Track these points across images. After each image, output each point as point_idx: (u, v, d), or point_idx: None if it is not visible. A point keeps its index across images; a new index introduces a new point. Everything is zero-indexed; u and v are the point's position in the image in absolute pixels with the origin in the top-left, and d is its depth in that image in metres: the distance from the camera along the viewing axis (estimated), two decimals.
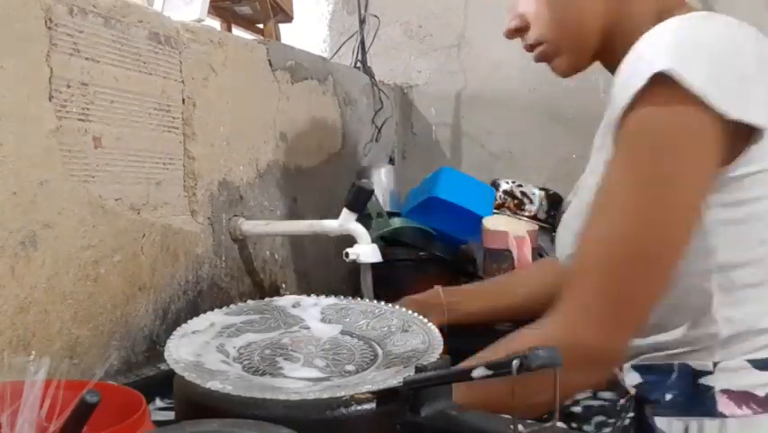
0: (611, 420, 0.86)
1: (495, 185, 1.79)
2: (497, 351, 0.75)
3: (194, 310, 1.17)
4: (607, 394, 0.90)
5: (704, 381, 0.77)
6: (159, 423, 0.63)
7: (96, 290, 0.98)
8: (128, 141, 1.04)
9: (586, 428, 0.87)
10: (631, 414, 0.82)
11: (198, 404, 0.68)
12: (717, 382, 0.76)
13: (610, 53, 0.84)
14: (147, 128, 1.08)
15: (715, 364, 0.77)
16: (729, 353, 0.77)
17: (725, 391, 0.76)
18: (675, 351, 0.80)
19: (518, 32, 0.88)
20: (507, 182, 1.78)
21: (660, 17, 0.76)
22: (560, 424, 0.87)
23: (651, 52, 0.71)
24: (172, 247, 1.13)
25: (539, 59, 0.89)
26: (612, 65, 0.82)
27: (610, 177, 0.72)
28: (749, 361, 0.76)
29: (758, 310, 0.76)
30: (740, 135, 0.70)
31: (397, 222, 1.59)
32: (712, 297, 0.76)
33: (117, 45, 1.01)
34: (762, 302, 0.76)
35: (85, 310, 0.96)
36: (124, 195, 1.03)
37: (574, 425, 0.89)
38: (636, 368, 0.83)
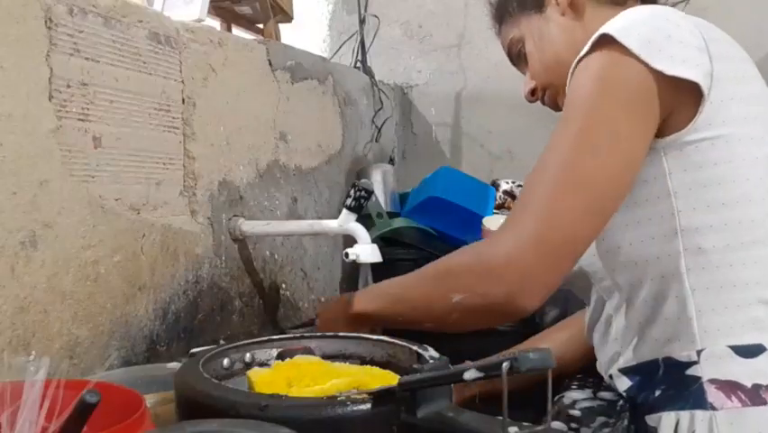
0: (611, 420, 0.86)
1: (495, 185, 1.79)
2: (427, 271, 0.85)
3: (194, 310, 1.17)
4: (607, 394, 0.90)
5: (691, 371, 0.77)
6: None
7: (96, 290, 0.98)
8: (128, 141, 1.04)
9: (585, 430, 0.87)
10: (628, 413, 0.82)
11: (198, 404, 0.68)
12: (703, 371, 0.76)
13: None
14: (147, 128, 1.08)
15: (698, 353, 0.77)
16: (708, 336, 0.77)
17: (713, 381, 0.76)
18: (658, 343, 0.80)
19: (534, 93, 1.01)
20: (507, 182, 1.78)
21: None
22: (558, 424, 0.87)
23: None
24: (172, 247, 1.13)
25: (551, 105, 1.00)
26: None
27: (558, 124, 0.79)
28: (731, 347, 0.76)
29: (727, 279, 0.77)
30: (688, 98, 0.76)
31: (397, 222, 1.59)
32: (680, 260, 0.78)
33: (117, 45, 1.01)
34: (729, 271, 0.77)
35: (85, 310, 0.96)
36: (124, 195, 1.03)
37: (574, 425, 0.89)
38: (624, 371, 0.84)
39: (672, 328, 0.79)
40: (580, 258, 0.77)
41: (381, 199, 1.67)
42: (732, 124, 0.77)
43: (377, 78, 1.94)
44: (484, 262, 0.77)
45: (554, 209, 0.74)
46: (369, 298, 0.93)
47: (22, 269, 0.87)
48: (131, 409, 0.60)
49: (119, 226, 1.02)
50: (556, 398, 0.95)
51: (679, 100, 0.76)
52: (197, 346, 1.15)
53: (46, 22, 0.89)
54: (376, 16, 1.97)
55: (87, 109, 0.96)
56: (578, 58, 0.79)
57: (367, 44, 1.94)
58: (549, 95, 0.99)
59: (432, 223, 1.60)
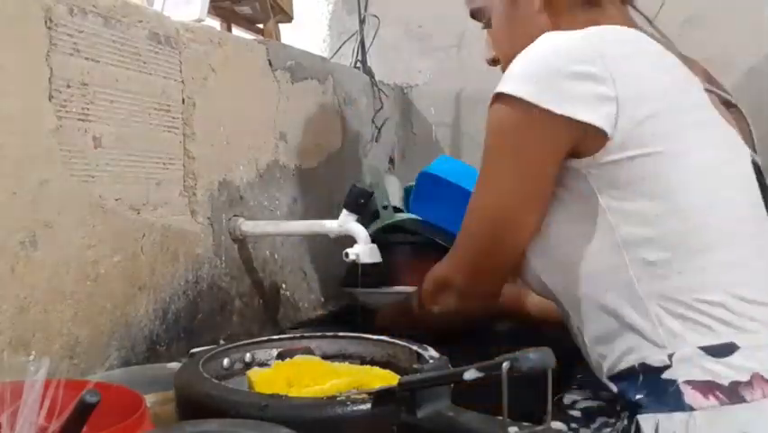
0: (611, 420, 0.86)
1: None
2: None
3: (194, 310, 1.17)
4: (607, 394, 0.90)
5: (666, 375, 0.77)
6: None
7: (96, 290, 0.98)
8: (128, 141, 1.04)
9: (585, 430, 0.87)
10: (627, 412, 0.82)
11: (199, 404, 0.68)
12: (678, 374, 0.76)
13: None
14: (147, 128, 1.08)
15: (670, 357, 0.77)
16: (674, 339, 0.77)
17: (689, 382, 0.76)
18: (629, 349, 0.80)
19: (495, 62, 1.09)
20: None
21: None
22: (558, 424, 0.87)
23: (507, 72, 0.84)
24: (172, 247, 1.13)
25: None
26: None
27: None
28: (702, 348, 0.76)
29: (680, 284, 0.78)
30: (592, 130, 0.78)
31: (400, 216, 1.58)
32: (628, 271, 0.79)
33: (117, 45, 1.01)
34: (679, 276, 0.78)
35: (85, 310, 0.96)
36: (124, 195, 1.03)
37: (574, 425, 0.89)
38: (611, 378, 0.84)
39: (638, 336, 0.79)
40: (504, 272, 0.95)
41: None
42: (655, 142, 0.78)
43: (377, 78, 1.94)
44: (440, 281, 0.99)
45: (479, 247, 0.92)
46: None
47: (22, 269, 0.87)
48: (131, 410, 0.60)
49: (119, 226, 1.02)
50: (556, 398, 0.95)
51: (581, 132, 0.78)
52: (197, 346, 1.15)
53: (46, 22, 0.89)
54: (376, 16, 1.97)
55: (87, 109, 0.96)
56: (494, 90, 0.84)
57: (367, 44, 1.94)
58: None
59: (431, 209, 1.58)
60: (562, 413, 0.92)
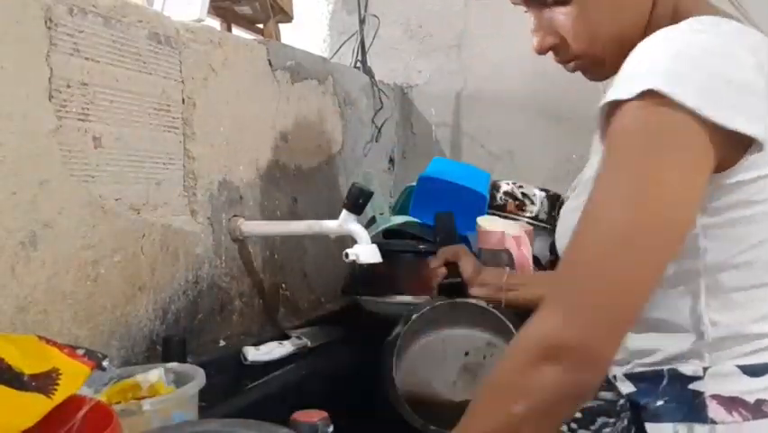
0: (611, 420, 0.85)
1: (496, 186, 1.79)
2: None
3: (194, 310, 1.17)
4: (607, 394, 0.90)
5: (694, 386, 0.76)
6: None
7: (96, 290, 0.98)
8: (128, 141, 1.04)
9: (585, 431, 0.87)
10: (628, 413, 0.81)
11: None
12: (707, 387, 0.75)
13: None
14: (147, 128, 1.08)
15: (705, 370, 0.76)
16: (719, 357, 0.76)
17: (715, 397, 0.75)
18: (666, 355, 0.79)
19: (553, 49, 0.86)
20: (508, 183, 1.78)
21: (675, 19, 0.76)
22: None
23: (642, 67, 0.71)
24: (172, 247, 1.13)
25: (576, 69, 0.89)
26: None
27: (601, 175, 0.72)
28: (739, 367, 0.75)
29: (746, 315, 0.75)
30: (739, 145, 0.70)
31: (400, 219, 1.59)
32: (699, 298, 0.76)
33: (117, 45, 1.01)
34: (748, 307, 0.75)
35: (85, 310, 0.96)
36: (124, 195, 1.03)
37: (574, 426, 0.89)
38: (628, 376, 0.83)
39: (683, 346, 0.78)
40: (636, 316, 0.70)
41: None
42: None
43: (377, 78, 1.94)
44: (546, 350, 0.68)
45: (610, 287, 0.68)
46: None
47: (22, 269, 0.87)
48: (102, 425, 0.60)
49: (119, 226, 1.02)
50: None
51: (731, 148, 0.70)
52: (197, 346, 1.15)
53: (46, 22, 0.89)
54: (376, 16, 1.97)
55: (87, 109, 0.96)
56: (615, 97, 0.71)
57: (367, 44, 1.94)
58: (582, 64, 0.87)
59: (431, 207, 1.58)
60: None
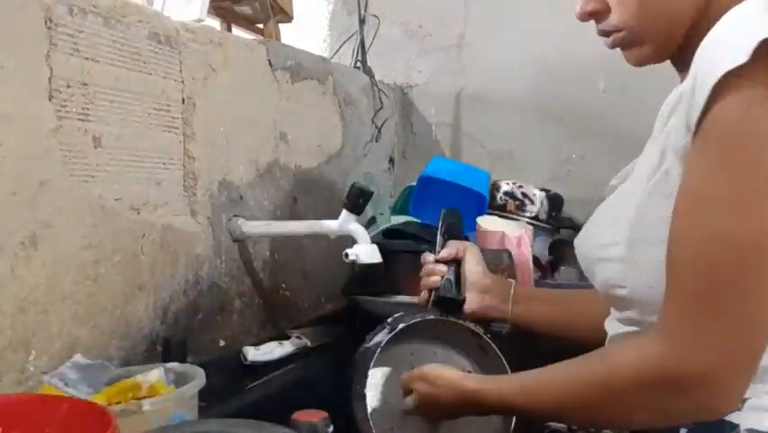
0: None
1: (496, 186, 1.79)
2: (585, 362, 0.74)
3: (194, 310, 1.17)
4: None
5: (730, 417, 0.68)
6: None
7: (96, 290, 0.98)
8: (128, 141, 1.04)
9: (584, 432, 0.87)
10: None
11: None
12: (743, 420, 0.68)
13: (686, 48, 0.73)
14: (147, 128, 1.08)
15: (744, 401, 0.68)
16: (762, 389, 0.68)
17: (750, 431, 0.68)
18: None
19: (594, 14, 0.78)
20: (508, 183, 1.78)
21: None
22: (558, 424, 0.87)
23: (743, 25, 0.60)
24: (172, 247, 1.13)
25: (615, 45, 0.79)
26: (684, 61, 0.71)
27: (703, 176, 0.63)
28: None
29: None
30: None
31: (400, 219, 1.59)
32: None
33: (117, 45, 1.01)
34: None
35: (85, 310, 0.96)
36: (124, 195, 1.03)
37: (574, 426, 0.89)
38: None
39: None
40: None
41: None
42: None
43: (377, 78, 1.93)
44: (669, 378, 0.64)
45: (731, 300, 0.60)
46: (488, 380, 0.85)
47: (22, 269, 0.87)
48: (100, 429, 0.60)
49: (119, 226, 1.02)
50: None
51: None
52: (197, 346, 1.15)
53: (46, 22, 0.89)
54: (376, 16, 1.97)
55: (87, 109, 0.96)
56: (724, 68, 0.59)
57: (367, 44, 1.94)
58: (623, 38, 0.78)
59: (431, 207, 1.59)
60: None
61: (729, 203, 0.61)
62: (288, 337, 1.31)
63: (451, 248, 1.13)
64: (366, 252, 1.14)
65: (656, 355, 0.66)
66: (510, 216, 1.71)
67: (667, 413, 0.67)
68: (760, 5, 0.62)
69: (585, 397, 0.72)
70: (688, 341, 0.63)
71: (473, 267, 1.10)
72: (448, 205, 1.27)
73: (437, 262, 1.12)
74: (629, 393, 0.69)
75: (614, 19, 0.76)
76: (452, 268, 1.11)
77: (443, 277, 1.10)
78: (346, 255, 1.14)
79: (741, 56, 0.58)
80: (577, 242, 0.86)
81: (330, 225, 1.19)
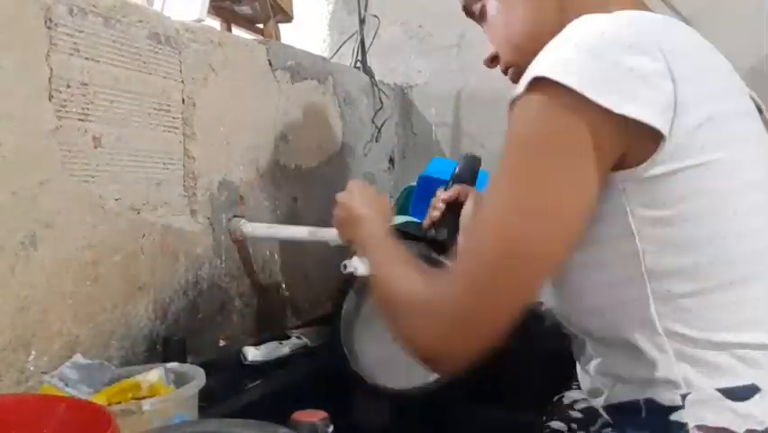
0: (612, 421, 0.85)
1: None
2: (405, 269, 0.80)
3: (194, 310, 1.17)
4: None
5: (675, 417, 0.68)
6: None
7: (96, 290, 0.98)
8: (128, 141, 1.04)
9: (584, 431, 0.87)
10: None
11: None
12: (689, 417, 0.68)
13: None
14: (147, 128, 1.08)
15: (683, 397, 0.68)
16: (693, 380, 0.69)
17: (700, 428, 0.67)
18: (636, 380, 0.72)
19: (493, 60, 0.94)
20: None
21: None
22: (558, 424, 0.87)
23: (533, 64, 0.70)
24: (172, 247, 1.13)
25: (513, 79, 0.89)
26: None
27: (494, 174, 0.72)
28: (720, 390, 0.68)
29: (704, 320, 0.69)
30: (646, 133, 0.66)
31: (400, 219, 1.58)
32: (649, 305, 0.70)
33: (117, 45, 1.01)
34: (704, 311, 0.69)
35: (85, 310, 0.96)
36: (124, 195, 1.03)
37: (574, 426, 0.89)
38: (606, 409, 0.78)
39: (651, 371, 0.71)
40: (514, 318, 0.69)
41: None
42: (705, 153, 0.68)
43: (377, 78, 1.94)
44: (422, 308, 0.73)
45: (484, 282, 0.69)
46: (380, 224, 1.00)
47: (22, 269, 0.87)
48: (99, 428, 0.60)
49: (119, 226, 1.02)
50: (556, 398, 0.95)
51: (634, 136, 0.66)
52: (197, 346, 1.15)
53: (46, 22, 0.89)
54: (376, 16, 1.97)
55: (87, 109, 0.96)
56: (511, 97, 0.70)
57: (367, 44, 1.94)
58: (513, 72, 0.88)
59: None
60: (562, 413, 0.91)
61: (504, 202, 0.70)
62: (288, 337, 1.31)
63: (452, 191, 1.18)
64: (365, 264, 1.13)
65: (425, 294, 0.74)
66: None
67: (423, 331, 0.72)
68: (559, 39, 0.70)
69: (394, 296, 0.78)
70: (442, 284, 0.72)
71: (468, 211, 1.15)
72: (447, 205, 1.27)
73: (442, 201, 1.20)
74: (397, 303, 0.77)
75: (503, 61, 0.91)
76: (453, 210, 1.18)
77: (442, 213, 1.18)
78: (344, 267, 1.12)
79: (520, 89, 0.69)
80: None
81: (331, 234, 1.19)
